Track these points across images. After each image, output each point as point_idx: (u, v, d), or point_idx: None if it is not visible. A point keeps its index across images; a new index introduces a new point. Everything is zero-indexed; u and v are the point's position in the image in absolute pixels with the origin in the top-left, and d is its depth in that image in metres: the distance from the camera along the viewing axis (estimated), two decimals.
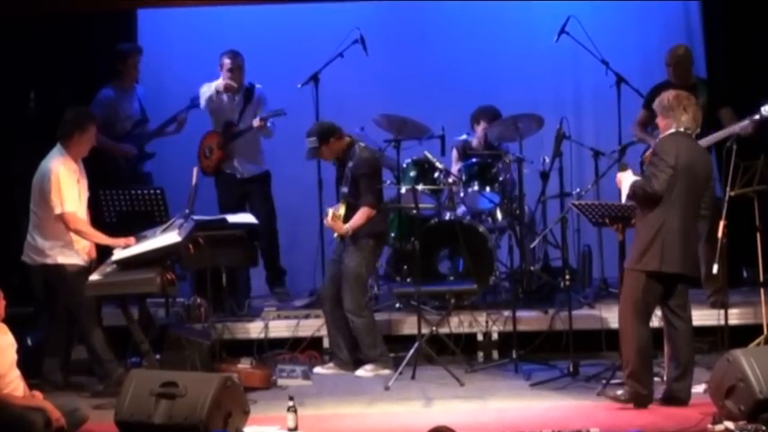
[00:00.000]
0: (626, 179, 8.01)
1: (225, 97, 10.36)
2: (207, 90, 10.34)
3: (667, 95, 8.01)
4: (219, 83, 10.32)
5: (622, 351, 8.03)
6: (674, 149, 7.82)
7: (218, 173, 10.45)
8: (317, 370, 9.29)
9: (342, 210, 9.19)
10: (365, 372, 9.16)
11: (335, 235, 9.27)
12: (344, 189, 9.25)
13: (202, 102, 10.37)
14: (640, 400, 7.92)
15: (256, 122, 10.13)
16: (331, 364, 9.36)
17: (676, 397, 7.97)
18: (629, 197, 8.00)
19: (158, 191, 9.56)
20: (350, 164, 9.18)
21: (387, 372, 9.07)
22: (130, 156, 10.48)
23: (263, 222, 10.05)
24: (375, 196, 9.15)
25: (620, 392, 7.99)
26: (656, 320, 8.19)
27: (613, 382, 8.30)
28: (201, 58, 10.92)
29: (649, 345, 7.94)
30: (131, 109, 10.57)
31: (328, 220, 9.14)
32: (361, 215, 9.09)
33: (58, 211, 8.56)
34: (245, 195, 10.41)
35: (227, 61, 10.26)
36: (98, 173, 9.49)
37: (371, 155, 9.28)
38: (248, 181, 10.42)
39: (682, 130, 7.91)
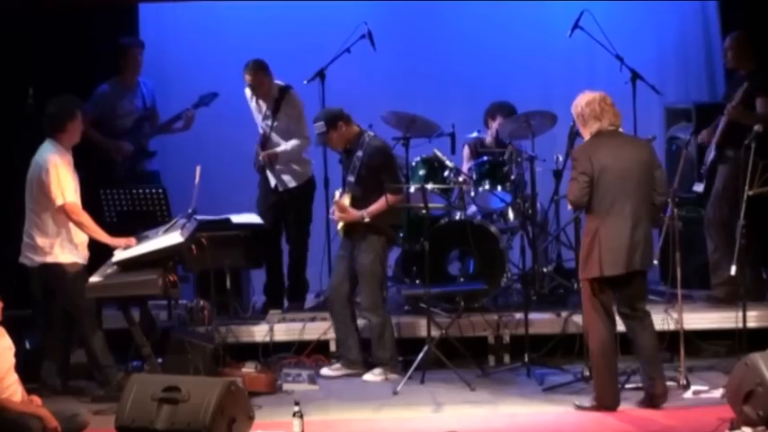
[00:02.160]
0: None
1: (254, 105, 10.09)
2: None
3: (579, 104, 8.02)
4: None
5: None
6: (585, 156, 7.87)
7: (263, 174, 10.13)
8: (324, 371, 9.21)
9: (346, 200, 9.05)
10: (373, 376, 9.06)
11: (339, 228, 9.13)
12: (350, 178, 9.08)
13: None
14: (603, 404, 7.91)
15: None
16: (338, 365, 9.26)
17: (651, 394, 7.95)
18: None
19: (160, 190, 9.46)
20: (359, 153, 9.02)
21: (395, 376, 8.98)
22: (126, 153, 10.27)
23: (293, 236, 9.99)
24: (399, 183, 9.03)
25: (586, 402, 8.01)
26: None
27: (628, 386, 8.24)
28: (203, 54, 10.98)
29: (609, 348, 7.91)
30: (132, 105, 10.40)
31: (337, 208, 9.00)
32: (383, 202, 8.89)
33: (59, 201, 8.43)
34: (281, 204, 10.10)
35: (246, 77, 9.91)
36: (93, 171, 9.37)
37: (383, 142, 9.14)
38: (283, 192, 10.09)
39: (602, 129, 7.92)
